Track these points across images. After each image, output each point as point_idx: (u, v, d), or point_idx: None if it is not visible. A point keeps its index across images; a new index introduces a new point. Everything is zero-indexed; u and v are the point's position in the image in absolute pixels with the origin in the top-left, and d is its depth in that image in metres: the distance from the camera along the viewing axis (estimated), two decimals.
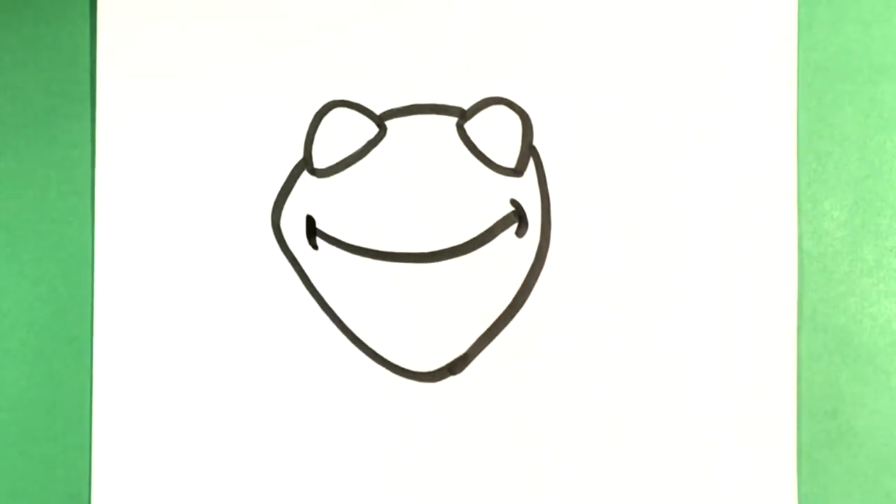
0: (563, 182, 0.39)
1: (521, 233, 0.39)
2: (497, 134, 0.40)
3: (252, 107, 0.40)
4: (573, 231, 0.39)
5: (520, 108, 0.40)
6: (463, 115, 0.40)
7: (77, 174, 0.41)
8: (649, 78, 0.39)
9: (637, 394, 0.38)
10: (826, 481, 0.38)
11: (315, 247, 0.40)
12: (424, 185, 0.40)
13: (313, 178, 0.40)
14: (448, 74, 0.40)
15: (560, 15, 0.40)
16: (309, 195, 0.40)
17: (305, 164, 0.40)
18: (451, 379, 0.39)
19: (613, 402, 0.38)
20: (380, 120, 0.40)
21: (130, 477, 0.40)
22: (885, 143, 0.39)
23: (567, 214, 0.39)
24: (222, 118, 0.40)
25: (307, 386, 0.39)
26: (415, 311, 0.39)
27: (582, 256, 0.39)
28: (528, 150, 0.40)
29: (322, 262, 0.40)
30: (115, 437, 0.40)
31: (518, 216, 0.39)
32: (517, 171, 0.40)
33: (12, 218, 0.41)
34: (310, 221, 0.40)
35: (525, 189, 0.40)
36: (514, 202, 0.40)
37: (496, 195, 0.40)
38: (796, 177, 0.39)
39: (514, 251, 0.39)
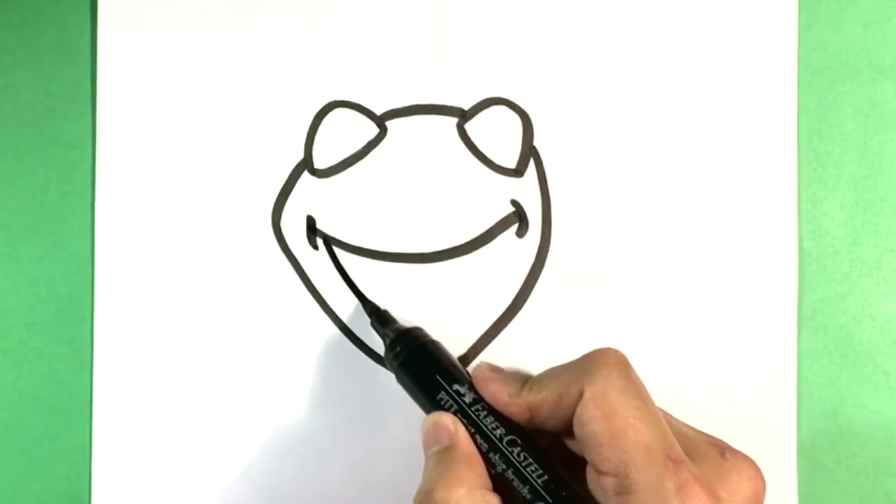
0: (564, 182, 0.39)
1: (521, 233, 0.39)
2: (498, 134, 0.40)
3: (252, 107, 0.40)
4: (573, 231, 0.39)
5: (520, 108, 0.40)
6: (463, 116, 0.40)
7: (77, 174, 0.41)
8: (649, 78, 0.39)
9: None
10: (826, 481, 0.38)
11: (315, 247, 0.40)
12: (425, 186, 0.40)
13: (313, 179, 0.40)
14: (448, 74, 0.40)
15: (561, 15, 0.40)
16: (309, 195, 0.40)
17: (305, 164, 0.40)
18: None
19: None
20: (380, 120, 0.40)
21: (130, 477, 0.40)
22: (885, 143, 0.39)
23: (567, 215, 0.39)
24: (222, 118, 0.40)
25: (307, 386, 0.39)
26: (415, 311, 0.39)
27: (582, 257, 0.39)
28: (529, 151, 0.40)
29: (322, 262, 0.40)
30: (115, 437, 0.40)
31: (518, 216, 0.39)
32: (518, 172, 0.40)
33: (12, 218, 0.41)
34: (310, 221, 0.40)
35: (525, 189, 0.40)
36: (514, 202, 0.40)
37: (496, 195, 0.40)
38: (796, 177, 0.39)
39: (514, 252, 0.39)
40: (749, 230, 0.39)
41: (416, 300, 0.39)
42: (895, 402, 0.38)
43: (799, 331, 0.39)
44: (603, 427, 0.28)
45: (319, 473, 0.39)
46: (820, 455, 0.38)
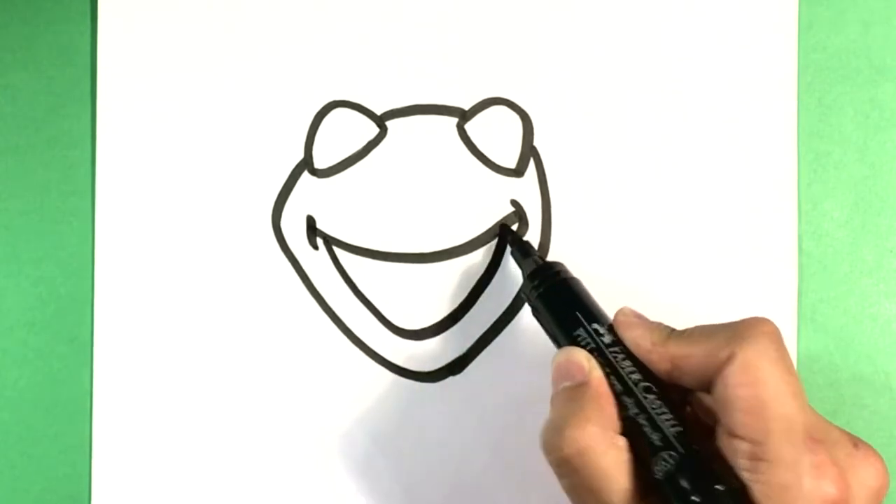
0: (564, 182, 0.39)
1: (521, 233, 0.39)
2: (498, 134, 0.40)
3: (252, 107, 0.40)
4: (573, 231, 0.39)
5: (520, 108, 0.40)
6: (463, 116, 0.40)
7: (77, 174, 0.41)
8: (649, 78, 0.39)
9: None
10: None
11: (315, 247, 0.40)
12: (425, 186, 0.40)
13: (313, 179, 0.40)
14: (448, 74, 0.40)
15: (561, 15, 0.40)
16: (309, 195, 0.40)
17: (306, 164, 0.40)
18: (451, 379, 0.39)
19: None
20: (380, 120, 0.40)
21: (130, 477, 0.40)
22: (885, 143, 0.39)
23: (567, 214, 0.39)
24: (222, 118, 0.40)
25: (307, 385, 0.39)
26: (415, 311, 0.39)
27: (582, 257, 0.39)
28: (529, 151, 0.40)
29: (322, 262, 0.40)
30: (115, 437, 0.40)
31: (518, 216, 0.40)
32: (518, 172, 0.40)
33: (12, 218, 0.41)
34: (310, 221, 0.40)
35: (525, 189, 0.40)
36: (514, 202, 0.40)
37: (496, 195, 0.40)
38: (796, 177, 0.39)
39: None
40: (749, 230, 0.39)
41: (416, 300, 0.39)
42: (895, 402, 0.38)
43: (799, 331, 0.39)
44: (749, 393, 0.28)
45: (317, 471, 0.39)
46: None
